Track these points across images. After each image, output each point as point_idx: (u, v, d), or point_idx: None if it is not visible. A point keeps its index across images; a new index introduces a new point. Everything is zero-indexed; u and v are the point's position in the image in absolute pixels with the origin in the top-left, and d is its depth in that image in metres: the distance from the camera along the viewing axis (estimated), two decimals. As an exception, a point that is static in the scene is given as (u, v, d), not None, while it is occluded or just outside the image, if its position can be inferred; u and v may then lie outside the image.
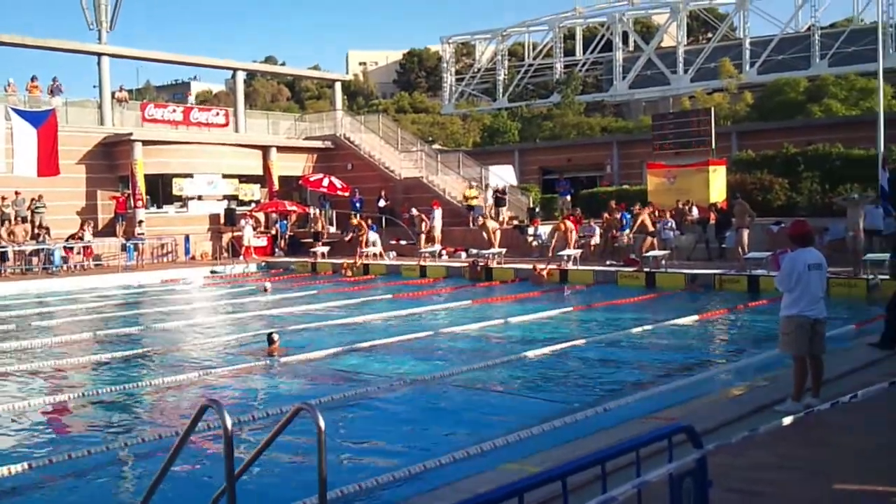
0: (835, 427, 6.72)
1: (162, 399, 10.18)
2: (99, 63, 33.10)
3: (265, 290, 22.18)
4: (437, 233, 28.61)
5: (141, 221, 30.01)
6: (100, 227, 30.75)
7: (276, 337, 12.75)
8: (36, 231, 27.58)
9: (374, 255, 28.22)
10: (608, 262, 23.30)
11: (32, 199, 28.09)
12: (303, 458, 7.07)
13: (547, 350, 12.33)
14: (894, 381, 5.08)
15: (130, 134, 31.19)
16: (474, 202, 30.71)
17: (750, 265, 19.57)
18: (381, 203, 33.05)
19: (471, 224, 29.86)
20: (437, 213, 29.01)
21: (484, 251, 25.43)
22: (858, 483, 5.57)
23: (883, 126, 23.76)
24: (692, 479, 3.72)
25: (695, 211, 25.37)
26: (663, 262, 21.51)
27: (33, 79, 32.03)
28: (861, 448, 6.36)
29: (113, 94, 34.22)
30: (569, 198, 32.43)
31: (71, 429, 9.17)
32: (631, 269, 21.64)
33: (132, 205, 30.69)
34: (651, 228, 22.77)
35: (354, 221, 29.34)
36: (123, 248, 28.67)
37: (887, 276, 15.82)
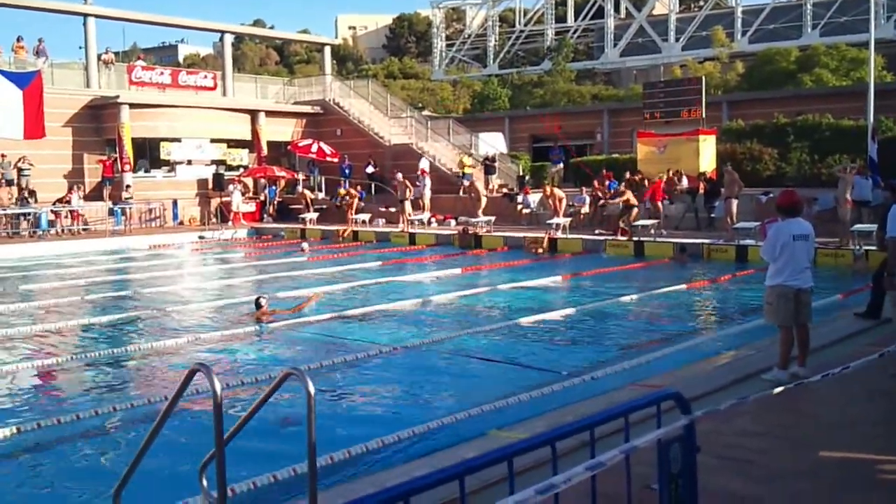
0: (820, 396, 6.79)
1: (150, 364, 10.17)
2: (85, 24, 32.65)
3: (302, 249, 22.81)
4: (427, 200, 28.53)
5: (128, 186, 29.78)
6: (87, 190, 30.48)
7: (263, 302, 12.71)
8: (23, 194, 27.32)
9: (364, 221, 28.17)
10: (597, 231, 23.32)
11: (19, 160, 27.78)
12: (292, 424, 7.09)
13: (536, 318, 12.37)
14: (883, 353, 5.11)
15: (117, 97, 30.86)
16: (468, 170, 30.59)
17: (738, 235, 19.64)
18: (370, 169, 32.90)
19: (461, 192, 29.74)
20: (427, 180, 28.90)
21: (473, 219, 25.41)
22: (842, 451, 5.64)
23: (873, 97, 23.74)
24: (680, 446, 3.74)
25: (684, 181, 25.39)
26: (652, 231, 21.55)
27: (18, 39, 31.55)
28: (845, 417, 6.43)
29: (99, 56, 33.79)
30: (561, 166, 32.32)
31: (59, 393, 9.16)
32: (618, 237, 21.65)
33: (119, 169, 30.43)
34: (634, 202, 22.60)
35: (342, 192, 29.28)
36: (111, 212, 28.49)
37: (874, 248, 15.90)
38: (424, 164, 30.36)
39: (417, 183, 28.41)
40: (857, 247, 17.37)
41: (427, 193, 28.70)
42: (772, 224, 8.01)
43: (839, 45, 41.58)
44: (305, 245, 23.77)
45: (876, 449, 5.50)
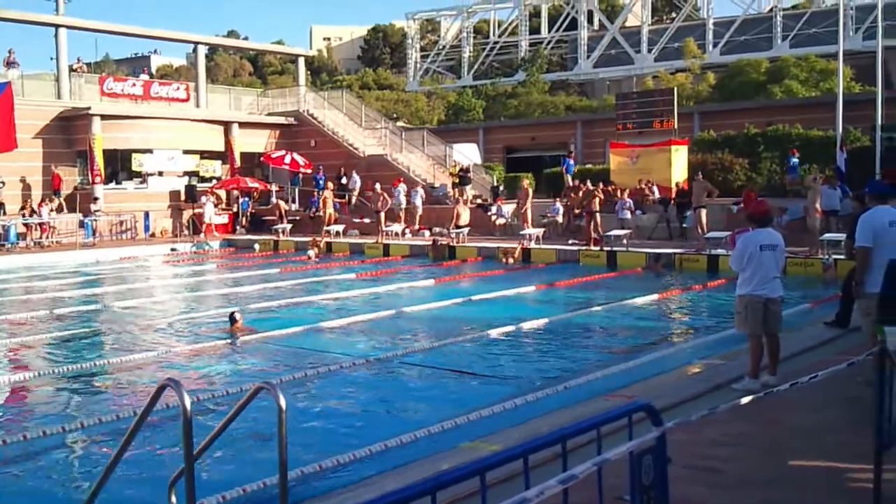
0: (790, 405, 6.84)
1: (121, 379, 10.05)
2: (56, 35, 32.29)
3: (309, 257, 23.28)
4: (402, 211, 28.55)
5: (97, 198, 29.46)
6: (56, 203, 30.09)
7: (238, 316, 12.63)
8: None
9: (338, 233, 28.09)
10: (570, 241, 23.42)
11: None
12: (263, 438, 7.03)
13: (509, 328, 12.38)
14: (852, 362, 5.16)
15: (89, 108, 30.58)
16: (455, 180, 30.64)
17: (710, 244, 19.80)
18: (343, 181, 32.85)
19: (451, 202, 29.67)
20: (399, 191, 28.90)
21: (448, 230, 25.42)
22: (812, 459, 5.68)
23: (842, 107, 24.08)
24: (652, 457, 3.76)
25: (655, 191, 25.59)
26: (624, 241, 21.67)
27: (-14, 51, 31.25)
28: (815, 425, 6.49)
29: (71, 67, 33.48)
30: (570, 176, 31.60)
31: (26, 409, 9.02)
32: (587, 247, 21.74)
33: (90, 180, 30.13)
34: (597, 209, 22.63)
35: (325, 194, 29.28)
36: (81, 224, 28.20)
37: (843, 257, 16.10)
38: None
39: (392, 193, 28.41)
40: (827, 256, 17.58)
41: (403, 202, 28.68)
42: (741, 234, 8.09)
43: (809, 56, 42.14)
44: (311, 252, 23.99)
45: (846, 456, 5.55)
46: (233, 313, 12.74)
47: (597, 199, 22.49)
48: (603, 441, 3.65)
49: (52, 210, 27.93)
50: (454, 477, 3.04)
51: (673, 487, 3.92)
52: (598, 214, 22.30)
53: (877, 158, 23.18)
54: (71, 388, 9.57)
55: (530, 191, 25.47)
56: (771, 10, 51.76)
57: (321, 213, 28.81)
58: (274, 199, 32.42)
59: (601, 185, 25.81)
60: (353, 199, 31.88)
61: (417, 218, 28.42)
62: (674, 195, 24.10)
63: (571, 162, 30.29)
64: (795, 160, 25.89)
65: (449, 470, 3.13)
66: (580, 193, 25.42)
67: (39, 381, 9.85)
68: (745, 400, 4.58)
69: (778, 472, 5.44)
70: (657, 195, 25.40)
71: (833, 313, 10.71)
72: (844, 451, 5.68)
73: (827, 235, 18.39)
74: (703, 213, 20.79)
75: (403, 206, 28.69)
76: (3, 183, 27.81)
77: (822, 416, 6.69)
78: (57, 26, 32.40)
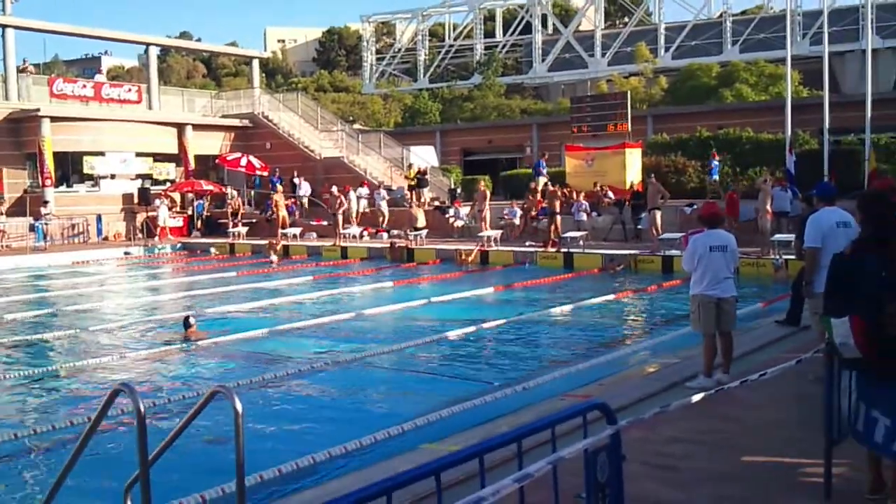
0: (743, 402, 6.97)
1: (74, 384, 9.89)
2: (3, 35, 31.64)
3: (272, 261, 23.11)
4: (354, 214, 28.48)
5: (47, 202, 28.90)
6: (7, 206, 29.49)
7: (192, 321, 12.49)
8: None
9: (294, 235, 27.92)
10: (528, 243, 23.55)
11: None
12: (220, 443, 6.97)
13: (467, 330, 12.43)
14: (801, 359, 5.28)
15: (38, 110, 29.99)
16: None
17: (664, 246, 20.05)
18: (297, 181, 32.68)
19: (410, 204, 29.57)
20: (353, 194, 28.84)
21: (406, 233, 25.41)
22: (765, 455, 5.80)
23: (790, 111, 24.57)
24: (606, 454, 3.81)
25: (610, 193, 25.85)
26: (581, 242, 21.86)
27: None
28: (767, 422, 6.62)
29: (18, 68, 32.81)
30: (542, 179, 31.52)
31: (-24, 416, 8.83)
32: (549, 249, 21.89)
33: (40, 183, 29.56)
34: (558, 210, 22.82)
35: (275, 197, 29.07)
36: (31, 228, 27.65)
37: (793, 257, 16.41)
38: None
39: (347, 197, 28.31)
40: (777, 256, 17.91)
41: (355, 207, 28.62)
42: (694, 235, 8.22)
43: (758, 61, 42.96)
44: (274, 257, 23.86)
45: (798, 451, 5.66)
46: (187, 317, 12.60)
47: (558, 201, 22.67)
48: (559, 441, 3.70)
49: (1, 213, 27.35)
50: (410, 477, 3.06)
51: (628, 484, 3.98)
52: (558, 216, 22.46)
53: (825, 161, 23.72)
54: (23, 394, 9.39)
55: (488, 192, 25.59)
56: (721, 15, 52.66)
57: (275, 217, 28.61)
58: (229, 200, 32.03)
59: (559, 187, 26.02)
60: (305, 204, 31.63)
61: (384, 220, 28.35)
62: (628, 197, 24.38)
63: (544, 162, 29.42)
64: (716, 163, 26.87)
65: (405, 471, 3.14)
66: (537, 195, 25.64)
67: (-11, 388, 9.65)
68: (696, 397, 4.66)
69: (732, 469, 5.54)
70: (612, 197, 25.66)
71: (784, 312, 10.92)
72: (796, 446, 5.80)
73: (777, 236, 18.74)
74: (658, 214, 21.05)
75: (362, 209, 28.62)
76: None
77: (773, 413, 6.83)
78: (4, 27, 31.73)
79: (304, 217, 30.66)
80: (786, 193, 20.30)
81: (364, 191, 29.97)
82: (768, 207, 19.13)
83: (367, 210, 29.20)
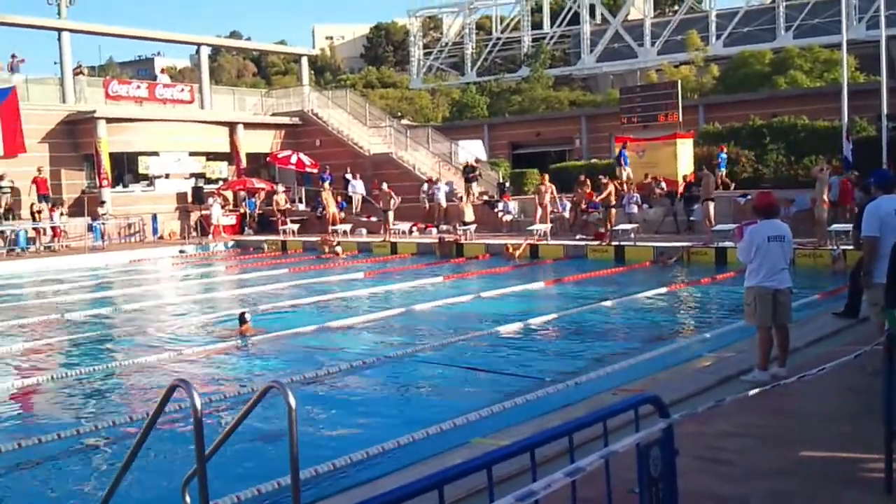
0: (799, 395, 6.85)
1: (132, 381, 10.10)
2: (59, 39, 32.39)
3: (336, 253, 23.90)
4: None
5: (104, 202, 29.53)
6: (66, 207, 30.24)
7: (247, 316, 12.68)
8: (1, 212, 27.05)
9: (345, 232, 28.14)
10: (578, 237, 23.41)
11: (-1, 178, 27.61)
12: (274, 437, 7.07)
13: (518, 325, 12.41)
14: (860, 353, 5.17)
15: (94, 111, 30.64)
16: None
17: (717, 237, 19.77)
18: (349, 177, 32.92)
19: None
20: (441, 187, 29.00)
21: (455, 228, 25.45)
22: (822, 449, 5.69)
23: (846, 97, 24.00)
24: (659, 448, 3.78)
25: (663, 184, 25.54)
26: (632, 235, 21.66)
27: (-11, 56, 31.40)
28: (824, 415, 6.50)
29: (74, 70, 33.58)
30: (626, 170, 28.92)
31: (40, 412, 9.09)
32: (598, 242, 21.74)
33: (97, 184, 30.25)
34: (615, 201, 22.75)
35: (324, 195, 29.31)
36: (90, 228, 28.30)
37: (851, 247, 16.07)
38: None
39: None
40: (835, 247, 17.54)
41: (443, 200, 28.78)
42: (748, 226, 8.10)
43: (812, 46, 42.00)
44: (339, 248, 24.53)
45: (857, 445, 5.56)
46: (242, 314, 12.80)
47: (613, 193, 22.57)
48: (611, 435, 3.68)
49: (62, 214, 28.04)
50: (461, 471, 3.07)
51: (682, 479, 3.94)
52: (613, 209, 22.32)
53: (883, 148, 23.11)
54: (84, 391, 9.63)
55: (553, 188, 25.37)
56: (773, 1, 51.60)
57: (326, 213, 28.85)
58: (275, 198, 32.32)
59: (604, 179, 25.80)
60: (358, 204, 31.57)
61: (441, 214, 28.40)
62: (681, 188, 24.07)
63: (627, 153, 27.63)
64: (723, 155, 26.63)
65: (456, 465, 3.16)
66: (586, 188, 25.43)
67: (53, 384, 9.91)
68: (752, 392, 4.59)
69: (787, 463, 5.45)
70: (665, 188, 25.35)
71: (842, 304, 10.70)
72: (854, 440, 5.69)
73: (835, 226, 18.35)
74: (712, 205, 20.76)
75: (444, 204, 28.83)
76: (11, 189, 27.94)
77: (830, 406, 6.70)
78: (60, 30, 32.49)
79: (357, 214, 30.82)
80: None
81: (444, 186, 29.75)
82: (825, 197, 18.71)
83: (426, 205, 29.27)
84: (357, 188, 31.41)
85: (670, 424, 3.76)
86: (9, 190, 27.82)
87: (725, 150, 27.13)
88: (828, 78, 38.09)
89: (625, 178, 26.22)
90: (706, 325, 12.41)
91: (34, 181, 28.65)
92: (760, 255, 7.58)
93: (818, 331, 9.93)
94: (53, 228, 27.44)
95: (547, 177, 26.79)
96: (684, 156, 26.71)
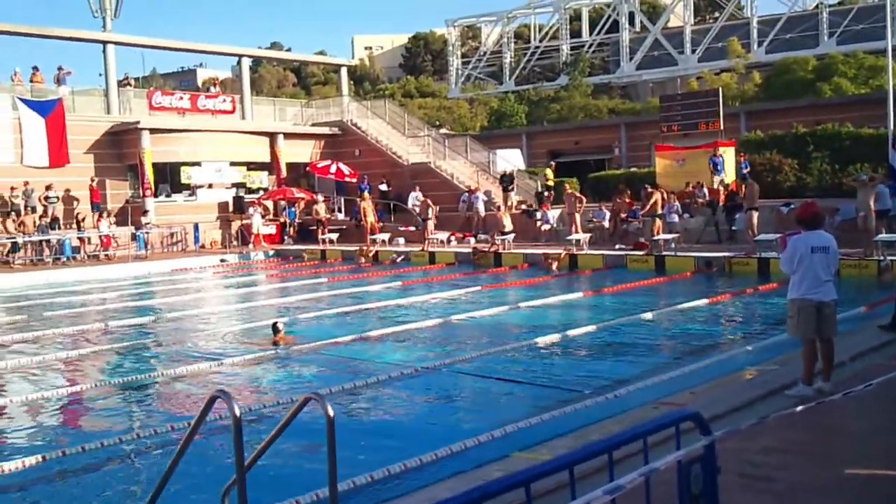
0: (843, 411, 6.71)
1: (172, 390, 10.22)
2: (104, 51, 33.04)
3: (394, 260, 24.56)
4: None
5: (147, 211, 29.99)
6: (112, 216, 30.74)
7: (280, 326, 12.76)
8: (47, 222, 27.59)
9: (383, 241, 28.24)
10: (617, 247, 23.25)
11: (46, 188, 28.13)
12: (314, 448, 7.09)
13: (556, 336, 12.33)
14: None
15: (138, 122, 31.18)
16: (551, 184, 30.66)
17: (760, 247, 19.49)
18: (383, 188, 33.06)
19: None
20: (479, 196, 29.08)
21: (493, 237, 25.41)
22: (867, 467, 5.57)
23: (892, 104, 23.53)
24: (700, 466, 3.73)
25: (705, 192, 25.25)
26: (672, 244, 21.45)
27: (35, 69, 32.06)
28: (869, 431, 6.36)
29: (119, 82, 34.19)
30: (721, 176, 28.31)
31: (83, 421, 9.23)
32: (640, 252, 21.58)
33: (141, 194, 30.74)
34: (661, 210, 22.67)
35: (361, 203, 29.45)
36: (133, 237, 28.75)
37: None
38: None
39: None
40: (882, 257, 17.18)
41: (482, 209, 28.69)
42: (792, 236, 7.97)
43: (856, 53, 41.35)
44: (395, 255, 25.25)
45: (902, 464, 5.44)
46: (275, 323, 12.88)
47: (657, 195, 22.45)
48: (651, 451, 3.63)
49: (110, 224, 28.53)
50: (499, 488, 3.05)
51: (723, 496, 3.88)
52: (658, 219, 22.16)
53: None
54: (126, 400, 9.76)
55: (583, 198, 25.27)
56: (816, 6, 50.89)
57: (364, 223, 29.01)
58: (315, 207, 32.51)
59: (648, 188, 25.62)
60: (421, 216, 31.42)
61: (479, 223, 28.40)
62: (723, 197, 23.79)
63: (723, 160, 26.61)
64: (719, 159, 26.19)
65: (493, 481, 3.14)
66: (625, 197, 25.27)
67: (95, 392, 10.07)
68: (798, 409, 4.51)
69: (833, 481, 5.34)
70: (707, 196, 25.06)
71: (888, 317, 10.47)
72: (901, 458, 5.56)
73: (882, 236, 17.97)
74: (755, 215, 20.46)
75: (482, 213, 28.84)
76: (58, 198, 28.56)
77: (875, 422, 6.56)
78: (105, 42, 33.12)
79: (400, 222, 30.91)
80: (887, 191, 19.43)
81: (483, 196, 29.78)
82: (872, 205, 18.34)
83: (465, 214, 29.31)
84: (412, 199, 31.36)
85: (712, 441, 3.71)
86: (56, 199, 28.42)
87: (746, 158, 26.82)
88: (873, 84, 37.44)
89: (716, 184, 25.67)
90: (748, 337, 12.21)
91: (90, 189, 29.64)
92: (803, 266, 7.45)
93: (863, 344, 9.72)
94: (104, 237, 27.91)
95: (568, 186, 26.63)
96: (726, 164, 26.41)
